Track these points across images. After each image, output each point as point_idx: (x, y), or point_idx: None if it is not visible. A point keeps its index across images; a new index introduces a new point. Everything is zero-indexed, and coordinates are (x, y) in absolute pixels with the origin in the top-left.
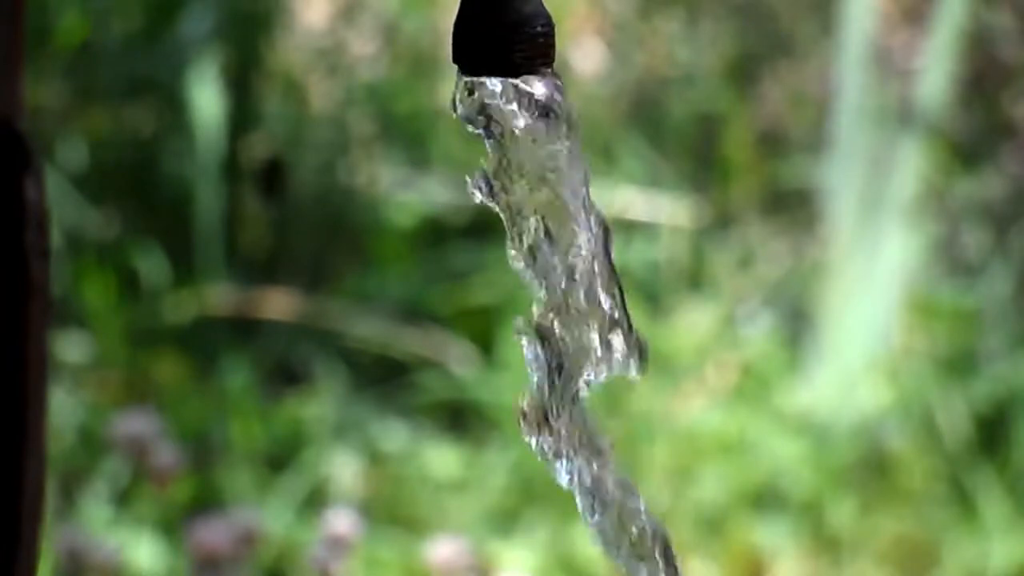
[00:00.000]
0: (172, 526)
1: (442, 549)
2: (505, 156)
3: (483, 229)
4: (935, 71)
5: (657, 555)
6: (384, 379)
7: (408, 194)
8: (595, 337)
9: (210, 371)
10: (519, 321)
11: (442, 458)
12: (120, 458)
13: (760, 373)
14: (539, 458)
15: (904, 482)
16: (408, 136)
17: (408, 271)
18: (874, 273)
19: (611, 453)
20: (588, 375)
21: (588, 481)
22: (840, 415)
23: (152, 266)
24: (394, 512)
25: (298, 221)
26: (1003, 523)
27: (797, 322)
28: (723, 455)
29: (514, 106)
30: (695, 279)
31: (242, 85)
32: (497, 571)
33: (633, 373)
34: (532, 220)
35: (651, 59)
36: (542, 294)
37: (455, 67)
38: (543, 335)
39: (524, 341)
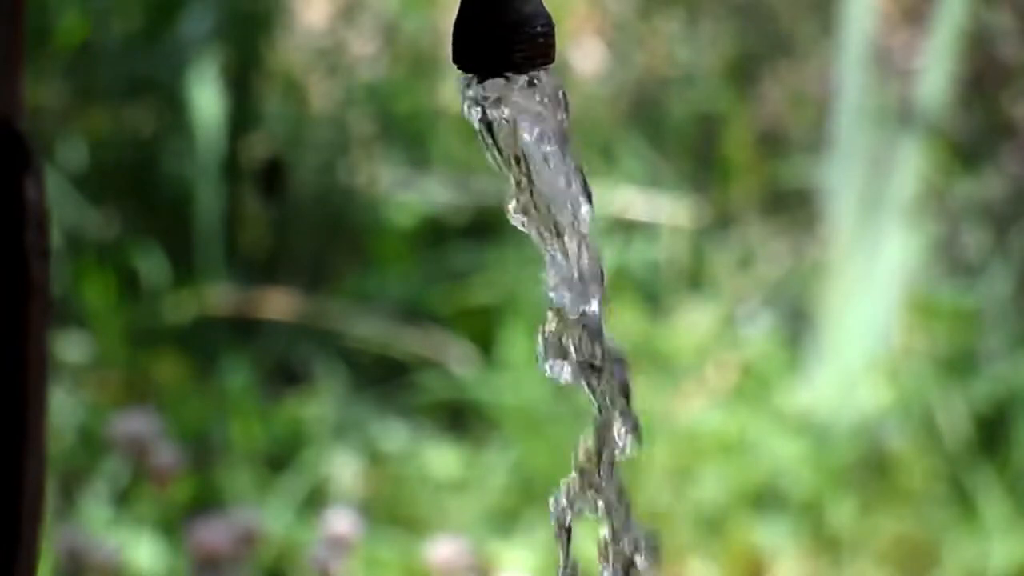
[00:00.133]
0: (172, 526)
1: (442, 549)
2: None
3: (483, 229)
4: (935, 71)
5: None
6: (384, 379)
7: (408, 194)
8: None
9: (210, 371)
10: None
11: (442, 458)
12: (120, 458)
13: (760, 373)
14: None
15: (904, 482)
16: (408, 136)
17: (408, 271)
18: (874, 273)
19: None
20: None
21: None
22: (840, 415)
23: (152, 266)
24: (394, 512)
25: (298, 221)
26: (1003, 523)
27: (797, 322)
28: (723, 455)
29: (514, 103)
30: (695, 279)
31: (242, 85)
32: (497, 571)
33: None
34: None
35: (651, 59)
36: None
37: (455, 67)
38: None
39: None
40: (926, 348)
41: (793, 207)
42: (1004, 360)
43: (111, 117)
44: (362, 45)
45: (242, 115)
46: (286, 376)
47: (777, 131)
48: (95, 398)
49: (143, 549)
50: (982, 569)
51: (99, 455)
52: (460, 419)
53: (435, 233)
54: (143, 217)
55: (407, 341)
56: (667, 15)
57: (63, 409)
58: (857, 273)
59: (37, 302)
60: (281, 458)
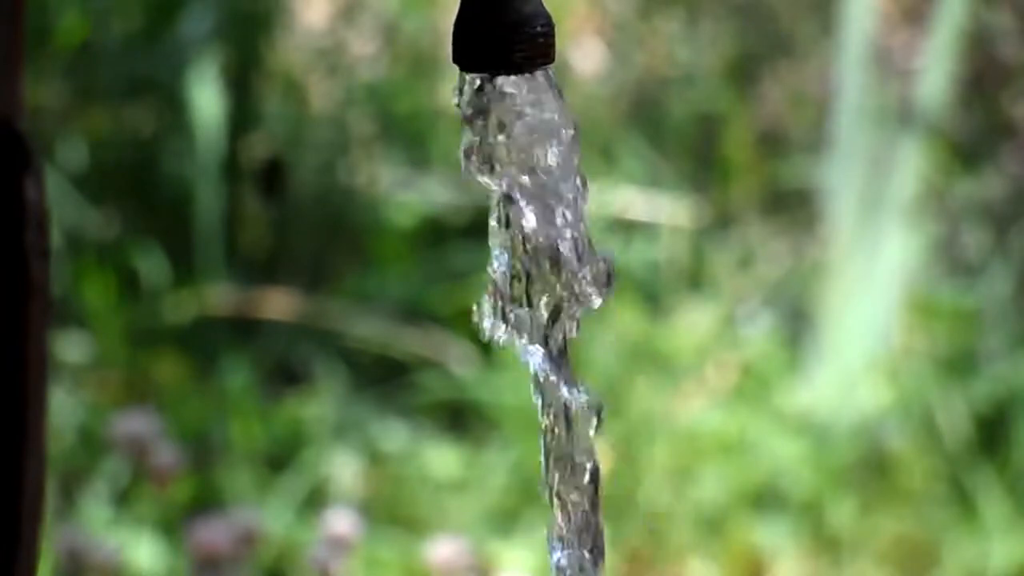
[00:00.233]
0: (172, 526)
1: (442, 549)
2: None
3: (483, 229)
4: (935, 71)
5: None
6: (384, 379)
7: (408, 194)
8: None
9: (210, 371)
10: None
11: (442, 458)
12: (120, 458)
13: (760, 373)
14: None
15: (904, 482)
16: (408, 136)
17: (408, 271)
18: (874, 273)
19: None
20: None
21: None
22: (840, 415)
23: (152, 266)
24: (394, 512)
25: (298, 221)
26: (1003, 523)
27: (797, 322)
28: (723, 455)
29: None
30: (695, 279)
31: (242, 85)
32: (497, 571)
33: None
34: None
35: (651, 59)
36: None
37: (455, 67)
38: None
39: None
40: (926, 348)
41: (793, 207)
42: (1004, 360)
43: (111, 117)
44: (362, 45)
45: (242, 115)
46: (286, 376)
47: (777, 131)
48: (95, 398)
49: (143, 549)
50: (982, 569)
51: (99, 455)
52: (460, 419)
53: (435, 233)
54: (143, 217)
55: (407, 341)
56: (667, 15)
57: (63, 409)
58: (857, 273)
59: (37, 302)
60: (281, 458)
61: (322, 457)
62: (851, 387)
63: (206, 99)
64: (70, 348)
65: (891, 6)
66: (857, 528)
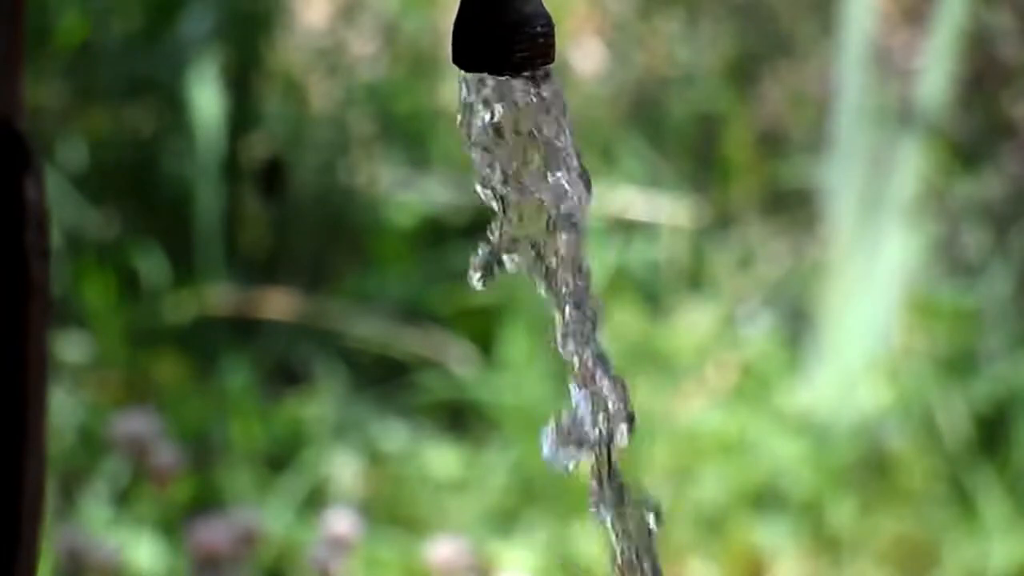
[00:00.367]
0: (172, 526)
1: (442, 549)
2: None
3: (483, 229)
4: (935, 71)
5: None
6: (384, 379)
7: (408, 194)
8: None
9: (210, 371)
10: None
11: (442, 458)
12: (120, 458)
13: (760, 373)
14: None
15: (904, 482)
16: (408, 136)
17: (408, 271)
18: (874, 273)
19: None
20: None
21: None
22: (840, 415)
23: (152, 266)
24: (394, 512)
25: (298, 221)
26: (1003, 523)
27: (797, 322)
28: (723, 455)
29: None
30: (695, 279)
31: (242, 85)
32: (497, 571)
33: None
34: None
35: (651, 59)
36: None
37: (455, 67)
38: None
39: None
40: (926, 348)
41: (793, 207)
42: (1004, 360)
43: (111, 117)
44: (362, 45)
45: (242, 115)
46: (286, 376)
47: (777, 131)
48: (95, 398)
49: (143, 549)
50: (982, 569)
51: (99, 455)
52: (460, 419)
53: (435, 233)
54: (143, 217)
55: (407, 341)
56: (667, 15)
57: (63, 409)
58: (857, 273)
59: (37, 302)
60: (281, 458)
61: (322, 457)
62: (851, 387)
63: (206, 99)
64: (70, 348)
65: (891, 6)
66: (857, 528)
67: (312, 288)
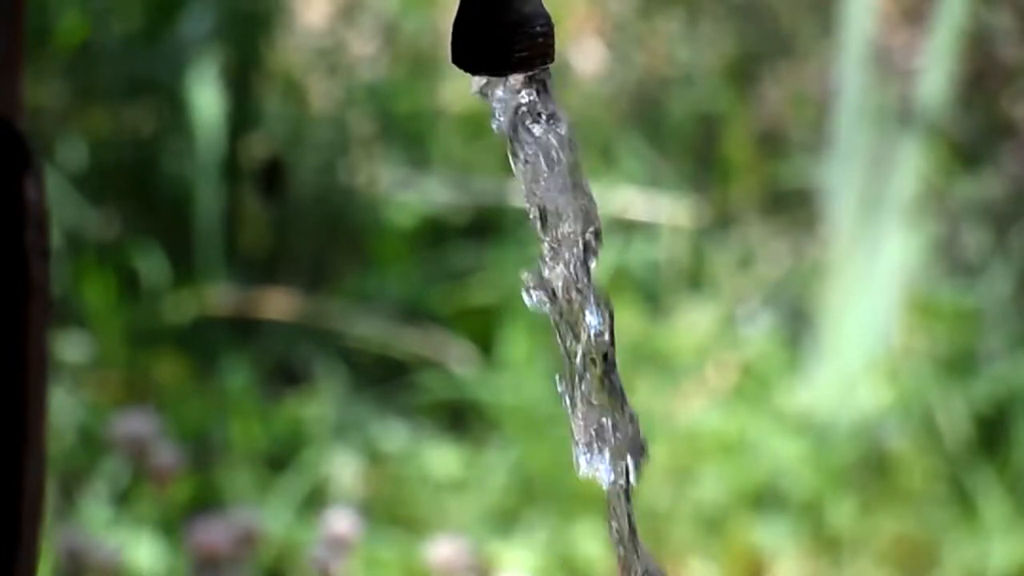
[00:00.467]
0: (172, 526)
1: (442, 549)
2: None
3: (483, 229)
4: (935, 71)
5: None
6: (384, 379)
7: (408, 194)
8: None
9: (210, 371)
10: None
11: (442, 458)
12: (120, 458)
13: (760, 373)
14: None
15: (904, 482)
16: (408, 136)
17: (408, 271)
18: (874, 273)
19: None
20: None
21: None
22: (840, 415)
23: (152, 266)
24: (394, 512)
25: (298, 221)
26: (1003, 523)
27: (797, 322)
28: (723, 455)
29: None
30: (695, 279)
31: (242, 85)
32: (497, 571)
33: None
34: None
35: (651, 59)
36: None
37: (455, 67)
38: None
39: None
40: (926, 348)
41: (793, 207)
42: (1004, 360)
43: (111, 117)
44: (362, 45)
45: (242, 115)
46: (286, 376)
47: (777, 131)
48: (95, 398)
49: (143, 549)
50: (982, 569)
51: (99, 455)
52: (460, 419)
53: (435, 233)
54: (143, 217)
55: (407, 341)
56: (667, 15)
57: (63, 409)
58: (857, 273)
59: (37, 302)
60: (281, 458)
61: (322, 457)
62: (851, 387)
63: (206, 99)
64: (70, 348)
65: (891, 6)
66: (857, 528)
67: (312, 288)
